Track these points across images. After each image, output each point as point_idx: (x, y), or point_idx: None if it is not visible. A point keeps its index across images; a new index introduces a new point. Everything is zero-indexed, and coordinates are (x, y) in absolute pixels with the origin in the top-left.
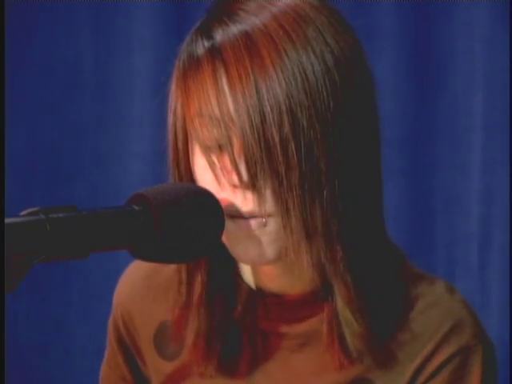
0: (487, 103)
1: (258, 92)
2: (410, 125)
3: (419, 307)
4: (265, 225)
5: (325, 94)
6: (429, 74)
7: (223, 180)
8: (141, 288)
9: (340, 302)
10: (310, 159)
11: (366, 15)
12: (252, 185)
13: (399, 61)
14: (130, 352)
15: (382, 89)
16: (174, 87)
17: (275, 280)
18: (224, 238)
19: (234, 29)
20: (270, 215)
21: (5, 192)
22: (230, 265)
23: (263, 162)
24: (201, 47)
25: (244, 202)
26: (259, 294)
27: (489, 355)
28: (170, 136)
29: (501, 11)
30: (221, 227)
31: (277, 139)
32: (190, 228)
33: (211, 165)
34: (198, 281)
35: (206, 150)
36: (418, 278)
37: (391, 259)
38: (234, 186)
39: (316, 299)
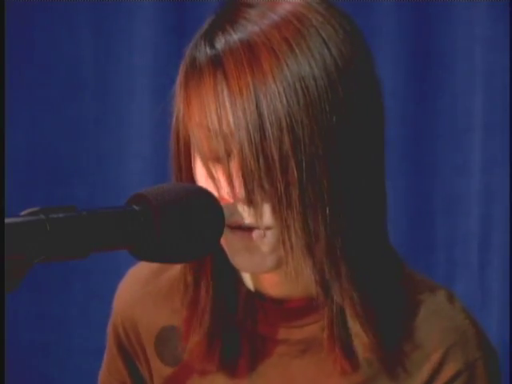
0: (487, 103)
1: (258, 107)
2: (410, 125)
3: (421, 316)
4: (263, 236)
5: (327, 109)
6: (429, 74)
7: (222, 191)
8: (141, 294)
9: (348, 316)
10: (311, 176)
11: (366, 15)
12: (249, 200)
13: (399, 61)
14: (130, 357)
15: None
16: (177, 92)
17: (276, 286)
18: (224, 247)
19: (236, 38)
20: (268, 228)
21: (5, 192)
22: (232, 268)
23: (261, 179)
24: (203, 55)
25: (242, 214)
26: (259, 299)
27: (493, 364)
28: (173, 141)
29: (501, 11)
30: (221, 227)
31: (276, 156)
32: (189, 228)
33: (210, 176)
34: (204, 283)
35: (206, 161)
36: (418, 285)
37: (393, 266)
38: (233, 198)
39: (316, 306)
